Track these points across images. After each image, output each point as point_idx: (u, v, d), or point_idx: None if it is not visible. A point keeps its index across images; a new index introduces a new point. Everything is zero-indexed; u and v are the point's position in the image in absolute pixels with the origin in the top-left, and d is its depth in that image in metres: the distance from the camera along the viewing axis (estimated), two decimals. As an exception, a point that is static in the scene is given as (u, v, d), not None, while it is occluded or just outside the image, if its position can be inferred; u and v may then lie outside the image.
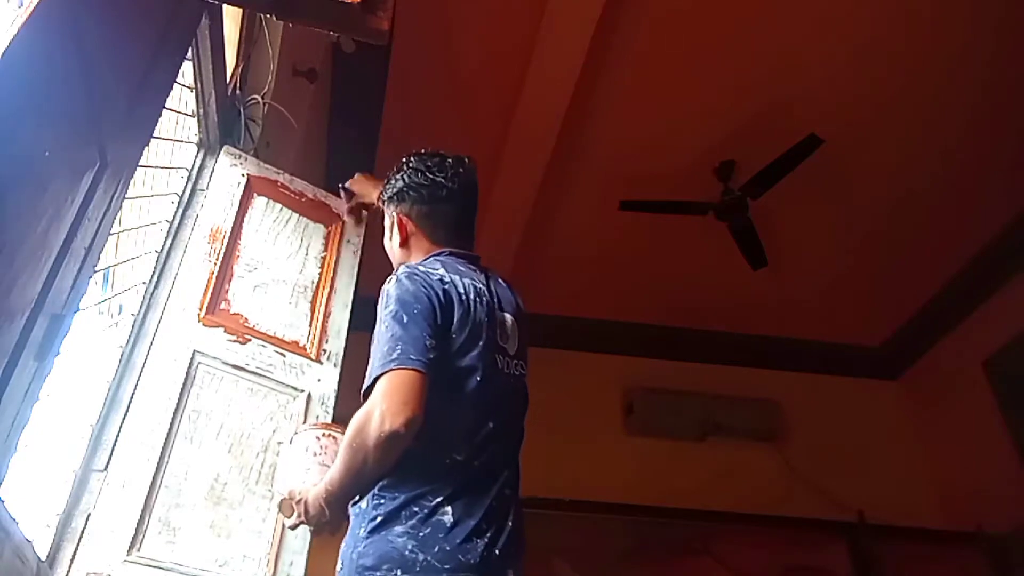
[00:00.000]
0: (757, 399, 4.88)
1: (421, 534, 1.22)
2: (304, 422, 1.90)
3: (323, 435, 1.44)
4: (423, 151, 1.64)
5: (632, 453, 4.65)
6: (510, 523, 1.33)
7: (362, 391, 1.29)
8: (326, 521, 1.32)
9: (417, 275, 1.39)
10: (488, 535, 1.27)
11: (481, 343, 1.39)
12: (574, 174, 4.10)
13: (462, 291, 1.41)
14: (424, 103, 3.78)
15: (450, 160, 1.61)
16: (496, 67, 3.60)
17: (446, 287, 1.40)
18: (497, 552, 1.27)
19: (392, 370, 1.24)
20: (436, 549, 1.21)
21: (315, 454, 1.41)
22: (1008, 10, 3.28)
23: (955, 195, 4.12)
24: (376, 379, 1.25)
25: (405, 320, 1.31)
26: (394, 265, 1.62)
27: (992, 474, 4.32)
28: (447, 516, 1.25)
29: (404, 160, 1.64)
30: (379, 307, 1.38)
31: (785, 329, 5.08)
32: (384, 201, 1.66)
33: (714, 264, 4.47)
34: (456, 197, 1.60)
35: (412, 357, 1.25)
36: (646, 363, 5.00)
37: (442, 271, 1.44)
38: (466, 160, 1.63)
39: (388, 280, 1.41)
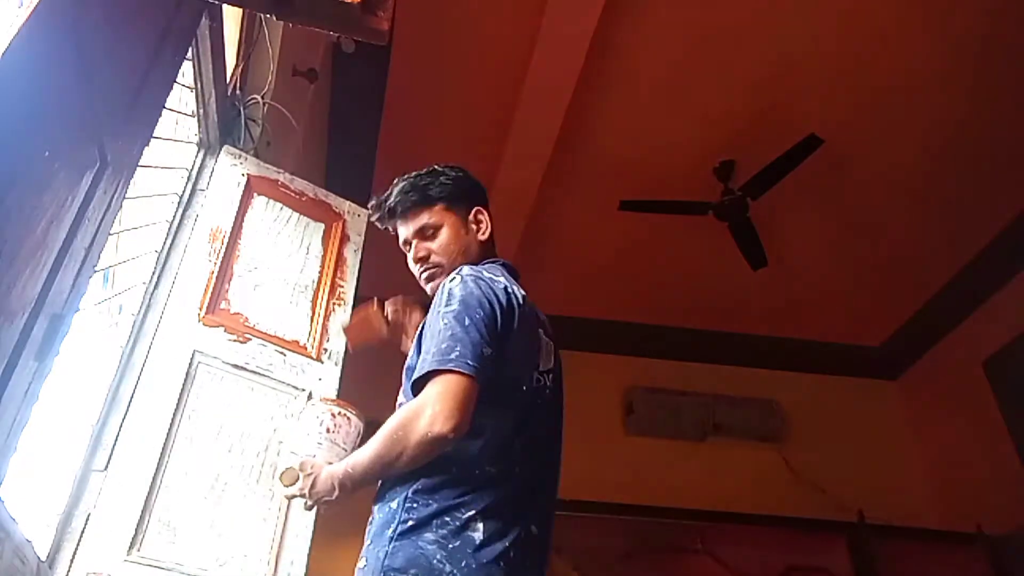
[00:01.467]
0: (757, 399, 4.88)
1: (451, 546, 1.22)
2: None
3: (338, 413, 1.45)
4: (446, 165, 1.66)
5: (632, 453, 4.65)
6: (544, 556, 1.35)
7: (411, 381, 1.29)
8: (331, 500, 1.32)
9: (483, 280, 1.39)
10: (515, 563, 1.26)
11: (527, 357, 1.40)
12: (574, 174, 4.10)
13: (520, 303, 1.42)
14: (424, 103, 3.78)
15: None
16: (496, 67, 3.60)
17: (509, 296, 1.40)
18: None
19: (450, 371, 1.23)
20: (463, 564, 1.21)
21: (328, 430, 1.42)
22: (1009, 9, 3.28)
23: (955, 195, 4.12)
24: (429, 374, 1.25)
25: (467, 322, 1.30)
26: (447, 262, 1.56)
27: (992, 474, 4.32)
28: (478, 533, 1.24)
29: (444, 168, 1.63)
30: (437, 303, 1.37)
31: (785, 329, 5.08)
32: (446, 199, 1.60)
33: (714, 264, 4.47)
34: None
35: (470, 362, 1.24)
36: (646, 363, 5.01)
37: (504, 280, 1.44)
38: None
39: (451, 279, 1.40)
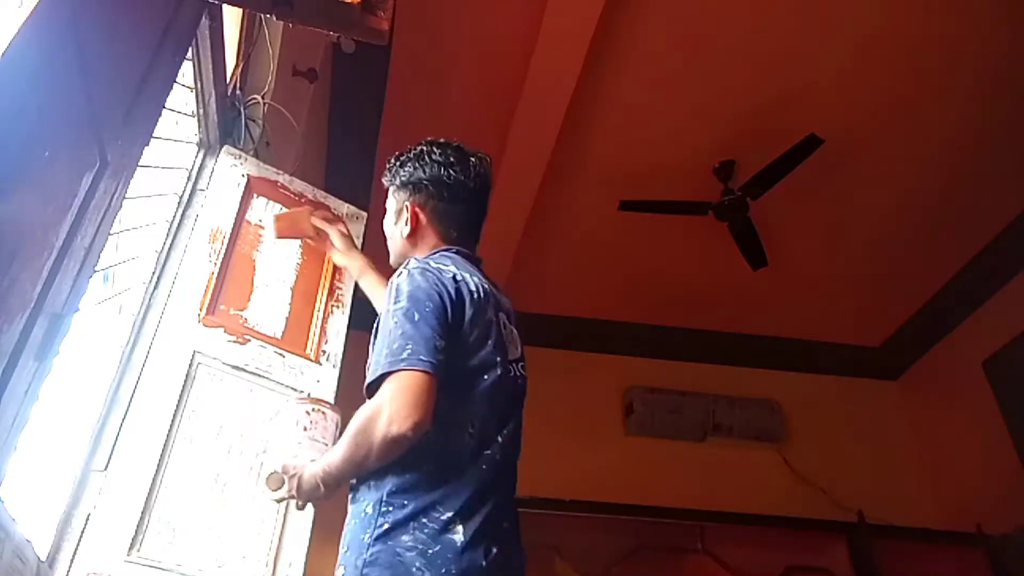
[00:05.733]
0: (758, 399, 4.88)
1: (430, 551, 1.19)
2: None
3: (313, 410, 1.45)
4: (443, 142, 1.61)
5: (632, 453, 4.65)
6: (519, 547, 1.34)
7: (366, 385, 1.27)
8: (319, 497, 1.33)
9: (429, 271, 1.37)
10: (497, 564, 1.24)
11: (490, 342, 1.38)
12: (574, 174, 4.10)
13: (473, 289, 1.39)
14: (424, 103, 3.78)
15: (473, 159, 1.59)
16: (496, 67, 3.60)
17: (459, 284, 1.38)
18: None
19: (402, 370, 1.22)
20: (443, 571, 1.18)
21: (305, 428, 1.42)
22: (1010, 9, 3.28)
23: (955, 195, 4.12)
24: (382, 376, 1.24)
25: (416, 318, 1.28)
26: (391, 249, 1.62)
27: (992, 474, 4.33)
28: (458, 535, 1.21)
29: (425, 148, 1.60)
30: (387, 300, 1.35)
31: (785, 329, 5.08)
32: (397, 185, 1.62)
33: (714, 264, 4.47)
34: (474, 199, 1.59)
35: (423, 358, 1.23)
36: (646, 363, 5.00)
37: (453, 268, 1.42)
38: (487, 160, 1.62)
39: (398, 273, 1.39)
